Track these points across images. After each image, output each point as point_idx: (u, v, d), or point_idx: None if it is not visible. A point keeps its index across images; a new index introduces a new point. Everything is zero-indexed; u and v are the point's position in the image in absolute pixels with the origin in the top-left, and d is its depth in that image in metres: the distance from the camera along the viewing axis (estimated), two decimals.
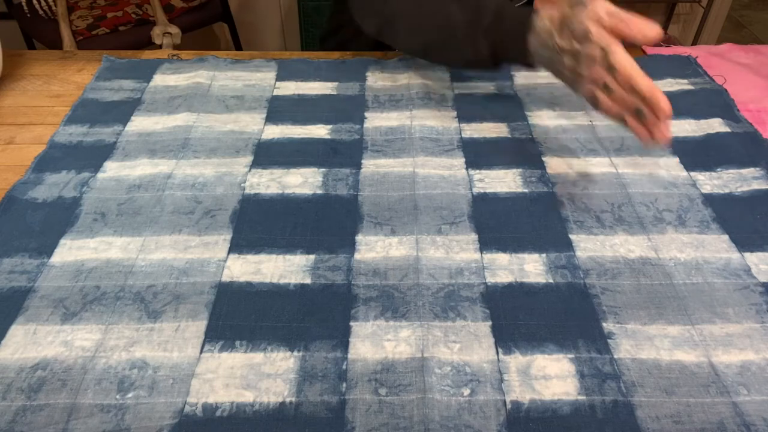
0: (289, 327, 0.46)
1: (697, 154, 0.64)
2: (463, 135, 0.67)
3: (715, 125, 0.68)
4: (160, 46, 1.52)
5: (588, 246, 0.53)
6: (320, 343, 0.45)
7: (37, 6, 1.62)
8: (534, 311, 0.47)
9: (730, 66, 0.80)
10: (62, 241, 0.53)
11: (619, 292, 0.49)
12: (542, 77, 0.77)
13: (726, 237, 0.54)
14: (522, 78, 0.77)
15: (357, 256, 0.52)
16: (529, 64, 0.62)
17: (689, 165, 0.62)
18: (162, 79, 0.76)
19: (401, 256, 0.52)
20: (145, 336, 0.45)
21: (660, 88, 0.50)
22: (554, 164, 0.63)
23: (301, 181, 0.60)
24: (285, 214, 0.56)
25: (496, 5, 0.63)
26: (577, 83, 0.57)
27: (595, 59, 0.52)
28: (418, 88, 0.74)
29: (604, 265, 0.51)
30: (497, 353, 0.44)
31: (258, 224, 0.55)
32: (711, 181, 0.60)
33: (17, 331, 0.46)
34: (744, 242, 0.53)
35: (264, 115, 0.70)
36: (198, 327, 0.46)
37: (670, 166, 0.62)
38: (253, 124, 0.68)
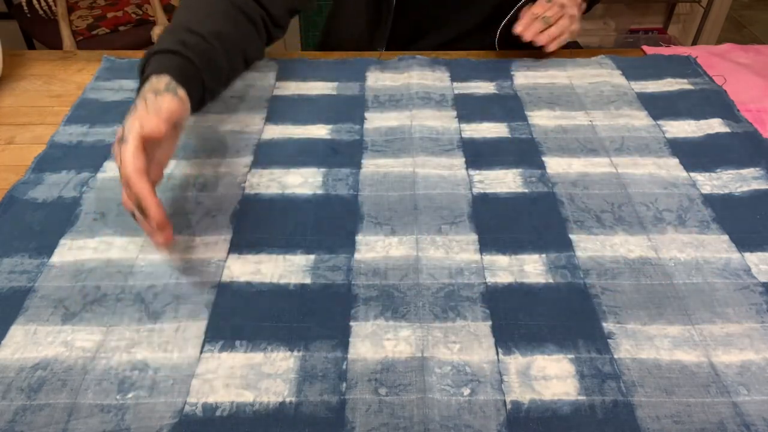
0: (289, 327, 0.46)
1: (697, 155, 0.64)
2: (463, 135, 0.67)
3: (715, 125, 0.68)
4: None
5: (588, 246, 0.53)
6: (320, 343, 0.45)
7: (37, 6, 1.62)
8: (534, 311, 0.47)
9: (730, 66, 0.80)
10: (62, 241, 0.53)
11: (619, 292, 0.49)
12: (542, 77, 0.77)
13: (726, 237, 0.54)
14: (522, 78, 0.77)
15: (357, 256, 0.52)
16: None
17: (689, 165, 0.62)
18: None
19: (401, 256, 0.52)
20: (146, 337, 0.45)
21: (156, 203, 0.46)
22: (554, 164, 0.63)
23: (301, 181, 0.60)
24: (285, 214, 0.56)
25: (181, 38, 0.59)
26: None
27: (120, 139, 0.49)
28: (418, 88, 0.74)
29: (604, 265, 0.51)
30: (497, 353, 0.44)
31: (258, 224, 0.55)
32: (711, 182, 0.60)
33: (17, 331, 0.46)
34: (744, 242, 0.53)
35: (264, 115, 0.70)
36: (198, 327, 0.46)
37: (670, 166, 0.62)
38: (253, 124, 0.68)
